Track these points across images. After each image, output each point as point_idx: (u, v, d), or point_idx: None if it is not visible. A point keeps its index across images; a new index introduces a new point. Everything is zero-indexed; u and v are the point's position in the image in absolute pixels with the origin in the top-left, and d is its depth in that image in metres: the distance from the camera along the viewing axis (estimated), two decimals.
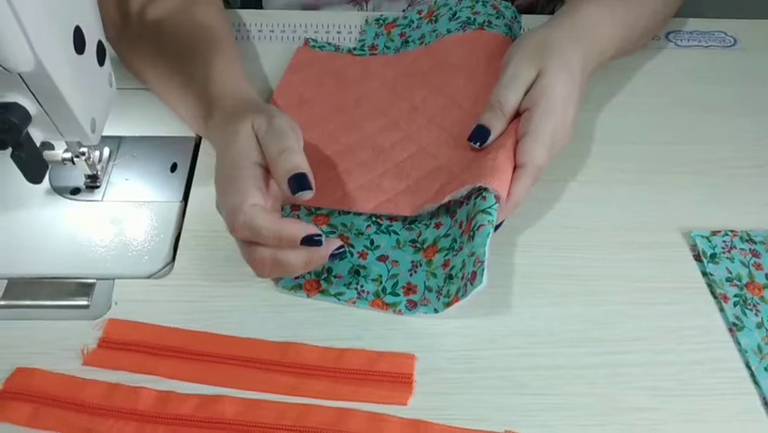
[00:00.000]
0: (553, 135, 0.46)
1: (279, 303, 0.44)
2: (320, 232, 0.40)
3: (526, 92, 0.48)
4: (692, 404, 0.40)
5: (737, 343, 0.43)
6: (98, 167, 0.50)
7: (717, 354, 0.43)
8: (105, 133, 0.45)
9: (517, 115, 0.48)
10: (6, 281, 0.45)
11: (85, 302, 0.44)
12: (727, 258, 0.47)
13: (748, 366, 0.42)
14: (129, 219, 0.49)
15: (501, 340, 0.43)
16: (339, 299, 0.44)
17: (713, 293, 0.46)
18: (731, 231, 0.48)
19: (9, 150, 0.39)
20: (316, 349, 0.42)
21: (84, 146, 0.47)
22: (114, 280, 0.45)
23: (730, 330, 0.44)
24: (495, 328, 0.43)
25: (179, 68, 0.51)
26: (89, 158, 0.48)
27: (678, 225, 0.50)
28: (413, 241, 0.48)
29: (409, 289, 0.45)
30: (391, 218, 0.49)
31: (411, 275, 0.46)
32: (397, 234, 0.48)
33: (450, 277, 0.44)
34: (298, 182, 0.40)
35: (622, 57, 0.59)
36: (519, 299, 0.45)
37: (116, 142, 0.53)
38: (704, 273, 0.47)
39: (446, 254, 0.46)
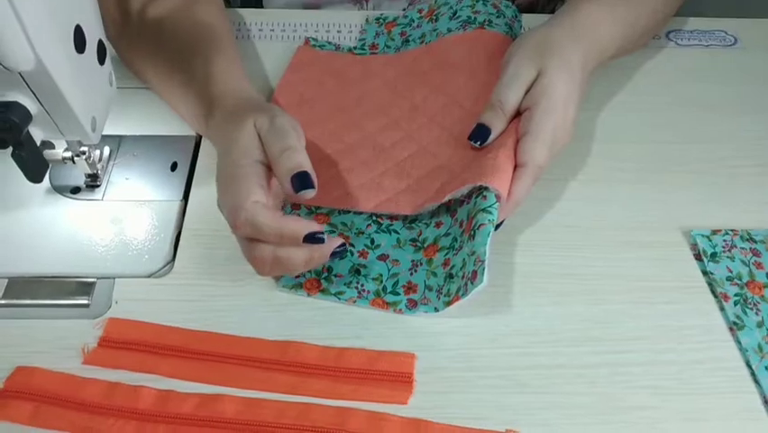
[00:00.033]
0: (553, 134, 0.46)
1: (280, 302, 0.44)
2: (322, 229, 0.40)
3: (527, 91, 0.48)
4: (693, 403, 0.40)
5: (738, 342, 0.43)
6: (99, 166, 0.50)
7: (717, 354, 0.43)
8: (105, 133, 0.45)
9: (518, 114, 0.48)
10: (7, 280, 0.45)
11: (85, 301, 0.44)
12: (728, 257, 0.47)
13: (749, 365, 0.42)
14: (129, 218, 0.49)
15: (502, 339, 0.43)
16: (339, 298, 0.44)
17: (713, 292, 0.46)
18: (731, 230, 0.48)
19: (9, 149, 0.39)
20: (316, 348, 0.42)
21: (84, 145, 0.47)
22: (114, 279, 0.45)
23: (731, 329, 0.44)
24: (495, 327, 0.43)
25: (180, 67, 0.51)
26: (90, 157, 0.48)
27: (678, 224, 0.50)
28: (413, 240, 0.48)
29: (410, 288, 0.45)
30: (392, 217, 0.49)
31: (411, 274, 0.46)
32: (398, 233, 0.48)
33: (450, 276, 0.44)
34: (301, 181, 0.40)
35: (622, 56, 0.59)
36: (520, 299, 0.45)
37: (117, 142, 0.53)
38: (704, 272, 0.47)
39: (447, 253, 0.46)
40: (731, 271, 0.46)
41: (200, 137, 0.54)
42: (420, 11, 0.62)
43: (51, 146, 0.47)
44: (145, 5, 0.53)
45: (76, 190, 0.50)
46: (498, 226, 0.45)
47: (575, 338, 0.43)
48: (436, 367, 0.41)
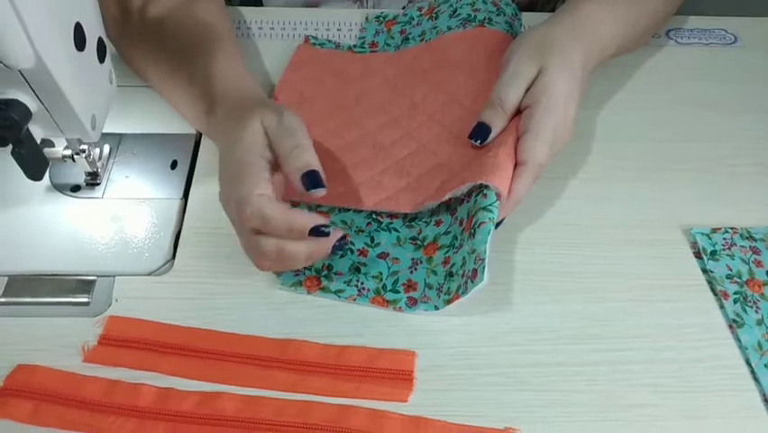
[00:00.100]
0: (554, 133, 0.46)
1: (280, 300, 0.44)
2: (328, 223, 0.40)
3: (527, 89, 0.48)
4: (693, 401, 0.40)
5: (737, 340, 0.43)
6: (98, 164, 0.50)
7: (717, 351, 0.43)
8: (105, 131, 0.45)
9: (518, 112, 0.48)
10: (7, 279, 0.45)
11: (85, 299, 0.44)
12: (728, 255, 0.47)
13: (748, 363, 0.42)
14: (129, 216, 0.49)
15: (502, 337, 0.43)
16: (339, 297, 0.44)
17: (713, 290, 0.46)
18: (731, 228, 0.48)
19: (9, 147, 0.39)
20: (317, 346, 0.42)
21: (84, 143, 0.47)
22: (114, 277, 0.45)
23: (730, 327, 0.44)
24: (495, 325, 0.43)
25: (181, 65, 0.51)
26: (89, 155, 0.48)
27: (678, 222, 0.50)
28: (413, 238, 0.48)
29: (410, 286, 0.45)
30: (391, 216, 0.49)
31: (411, 272, 0.46)
32: (398, 231, 0.48)
33: (450, 274, 0.44)
34: (311, 180, 0.41)
35: (623, 54, 0.59)
36: (520, 297, 0.45)
37: (117, 140, 0.53)
38: (704, 270, 0.47)
39: (446, 252, 0.46)
40: (731, 270, 0.46)
41: (200, 135, 0.54)
42: (420, 9, 0.62)
43: (51, 144, 0.47)
44: (146, 4, 0.53)
45: (76, 188, 0.50)
46: (498, 225, 0.45)
47: (575, 336, 0.43)
48: (436, 365, 0.41)
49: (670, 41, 0.65)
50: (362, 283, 0.45)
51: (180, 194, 0.51)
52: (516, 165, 0.46)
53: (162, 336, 0.42)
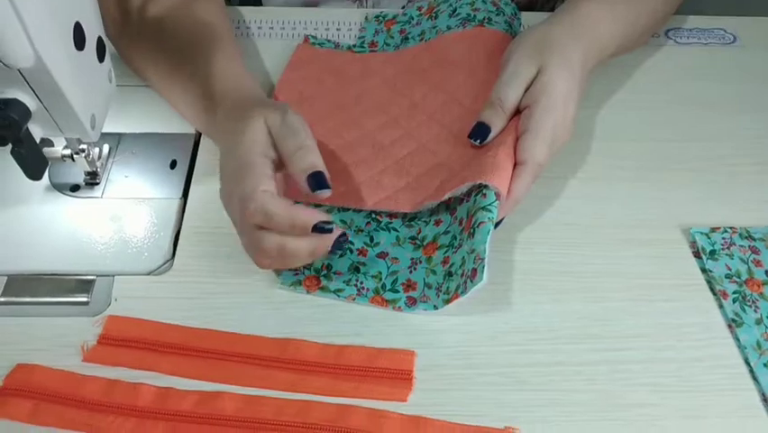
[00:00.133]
0: (553, 132, 0.46)
1: (279, 300, 0.44)
2: (331, 220, 0.40)
3: (527, 89, 0.48)
4: (692, 400, 0.40)
5: (737, 339, 0.43)
6: (98, 164, 0.50)
7: (716, 351, 0.43)
8: (104, 130, 0.45)
9: (518, 112, 0.48)
10: (6, 278, 0.45)
11: (84, 299, 0.44)
12: (727, 255, 0.47)
13: (747, 362, 0.42)
14: (128, 216, 0.49)
15: (501, 337, 0.43)
16: (339, 296, 0.44)
17: (712, 290, 0.46)
18: (730, 228, 0.48)
19: (9, 146, 0.39)
20: (316, 346, 0.42)
21: (83, 143, 0.47)
22: (113, 276, 0.45)
23: (729, 327, 0.44)
24: (495, 325, 0.44)
25: (181, 65, 0.51)
26: (89, 155, 0.48)
27: (678, 222, 0.50)
28: (413, 238, 0.48)
29: (409, 285, 0.45)
30: (391, 215, 0.49)
31: (411, 272, 0.46)
32: (397, 231, 0.48)
33: (449, 274, 0.44)
34: (317, 181, 0.41)
35: (622, 54, 0.59)
36: (519, 296, 0.45)
37: (116, 139, 0.53)
38: (703, 270, 0.47)
39: (446, 251, 0.46)
40: (730, 269, 0.46)
41: (200, 135, 0.54)
42: (420, 8, 0.62)
43: (51, 144, 0.47)
44: (145, 4, 0.53)
45: (75, 188, 0.50)
46: (497, 224, 0.45)
47: (574, 336, 0.43)
48: (436, 364, 0.41)
49: (669, 40, 0.65)
50: (362, 283, 0.45)
51: (180, 193, 0.51)
52: (515, 165, 0.46)
53: (162, 336, 0.42)
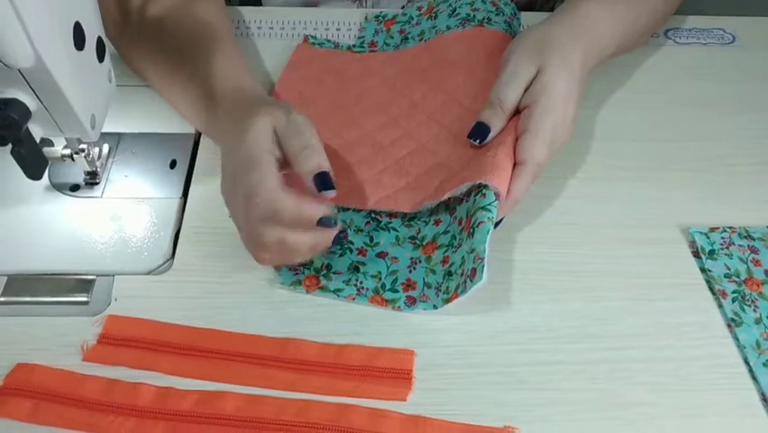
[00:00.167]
0: (552, 132, 0.46)
1: (279, 299, 0.44)
2: (336, 214, 0.41)
3: (526, 89, 0.48)
4: (691, 399, 0.40)
5: (736, 338, 0.43)
6: (98, 163, 0.50)
7: (715, 350, 0.43)
8: (104, 130, 0.45)
9: (517, 112, 0.48)
10: (6, 278, 0.45)
11: (84, 298, 0.44)
12: (726, 254, 0.47)
13: (746, 362, 0.42)
14: (128, 216, 0.49)
15: (500, 336, 0.43)
16: (338, 296, 0.44)
17: (712, 289, 0.46)
18: (729, 227, 0.48)
19: (9, 146, 0.39)
20: (316, 345, 0.42)
21: (83, 143, 0.47)
22: (113, 276, 0.45)
23: (728, 326, 0.44)
24: (494, 324, 0.44)
25: (180, 64, 0.51)
26: (89, 154, 0.48)
27: (677, 221, 0.50)
28: (412, 238, 0.48)
29: (408, 285, 0.45)
30: (391, 215, 0.49)
31: (410, 272, 0.46)
32: (397, 230, 0.48)
33: (449, 274, 0.44)
34: (322, 182, 0.41)
35: (622, 54, 0.59)
36: (519, 296, 0.45)
37: (116, 139, 0.53)
38: (703, 270, 0.47)
39: (445, 251, 0.46)
40: (729, 269, 0.46)
41: (199, 135, 0.54)
42: (419, 8, 0.62)
43: (51, 144, 0.47)
44: (145, 4, 0.53)
45: (75, 188, 0.50)
46: (497, 224, 0.45)
47: (574, 335, 0.43)
48: (435, 364, 0.41)
49: (668, 40, 0.65)
50: (361, 283, 0.45)
51: (179, 193, 0.51)
52: (514, 165, 0.46)
53: (161, 336, 0.42)
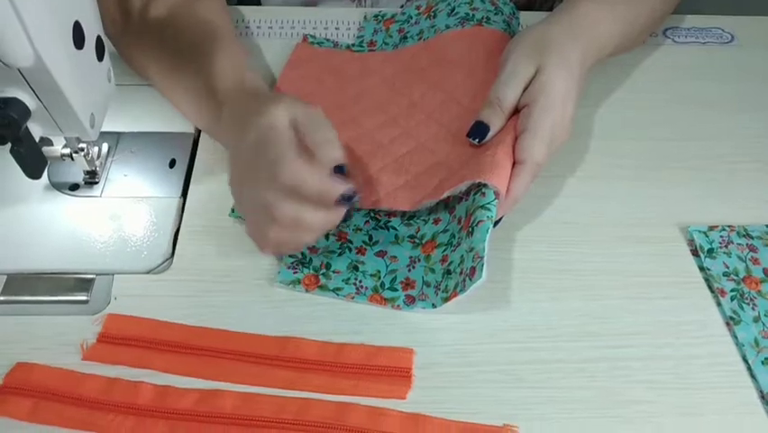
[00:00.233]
0: (551, 132, 0.46)
1: (278, 298, 0.44)
2: (357, 191, 0.41)
3: (525, 88, 0.48)
4: (689, 397, 0.40)
5: (734, 337, 0.43)
6: (97, 163, 0.50)
7: (714, 348, 0.43)
8: (103, 129, 0.45)
9: (516, 111, 0.49)
10: (6, 277, 0.45)
11: (84, 297, 0.44)
12: (725, 253, 0.47)
13: (745, 360, 0.42)
14: (128, 215, 0.49)
15: (500, 335, 0.43)
16: (337, 295, 0.44)
17: (710, 288, 0.46)
18: (728, 226, 0.49)
19: (8, 145, 0.39)
20: (315, 344, 0.42)
21: (83, 142, 0.47)
22: (113, 275, 0.45)
23: (727, 324, 0.44)
24: (493, 323, 0.44)
25: (183, 63, 0.51)
26: (88, 154, 0.48)
27: (676, 220, 0.50)
28: (411, 236, 0.48)
29: (407, 284, 0.45)
30: (390, 214, 0.49)
31: (409, 270, 0.46)
32: (396, 229, 0.48)
33: (448, 272, 0.44)
34: (342, 174, 0.41)
35: (621, 54, 0.59)
36: (518, 294, 0.45)
37: (115, 138, 0.53)
38: (701, 268, 0.47)
39: (444, 250, 0.46)
40: (728, 267, 0.46)
41: (199, 134, 0.54)
42: (418, 7, 0.62)
43: (50, 143, 0.47)
44: (146, 3, 0.53)
45: (74, 187, 0.50)
46: (496, 223, 0.45)
47: (573, 333, 0.43)
48: (435, 362, 0.42)
49: (667, 39, 0.65)
50: (360, 281, 0.45)
51: (179, 192, 0.51)
52: (514, 164, 0.46)
53: (161, 334, 0.42)
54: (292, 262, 0.46)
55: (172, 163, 0.53)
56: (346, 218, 0.42)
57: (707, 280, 0.46)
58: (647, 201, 0.51)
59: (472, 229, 0.43)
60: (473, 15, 0.58)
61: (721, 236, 0.48)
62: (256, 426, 0.38)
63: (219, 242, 0.47)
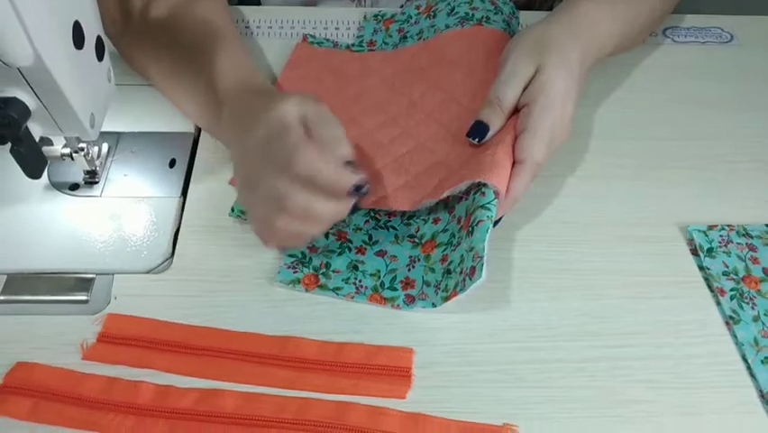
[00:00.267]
0: (551, 131, 0.47)
1: (278, 298, 0.45)
2: (368, 181, 0.41)
3: (525, 88, 0.48)
4: (689, 397, 0.40)
5: (734, 336, 0.43)
6: (97, 162, 0.50)
7: (713, 348, 0.43)
8: (103, 129, 0.45)
9: (516, 111, 0.49)
10: (6, 277, 0.45)
11: (84, 297, 0.44)
12: (724, 252, 0.47)
13: (744, 359, 0.42)
14: (128, 215, 0.49)
15: (500, 334, 0.43)
16: (337, 294, 0.45)
17: (710, 287, 0.46)
18: (728, 225, 0.49)
19: (8, 145, 0.39)
20: (315, 343, 0.42)
21: (83, 142, 0.47)
22: (113, 275, 0.45)
23: (727, 324, 0.44)
24: (493, 322, 0.44)
25: (185, 63, 0.51)
26: (88, 153, 0.48)
27: (676, 219, 0.50)
28: (411, 236, 0.48)
29: (407, 283, 0.45)
30: (390, 213, 0.49)
31: (409, 270, 0.46)
32: (396, 229, 0.48)
33: (448, 272, 0.44)
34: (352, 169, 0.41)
35: (621, 53, 0.59)
36: (518, 294, 0.45)
37: (115, 138, 0.54)
38: (701, 267, 0.47)
39: (444, 249, 0.46)
40: (727, 267, 0.46)
41: (199, 133, 0.54)
42: (418, 7, 0.62)
43: (50, 143, 0.47)
44: (147, 3, 0.53)
45: (74, 187, 0.50)
46: (496, 223, 0.45)
47: (573, 333, 0.43)
48: (434, 362, 0.42)
49: (666, 39, 0.65)
50: (360, 281, 0.45)
51: (179, 192, 0.51)
52: (513, 163, 0.46)
53: (161, 334, 0.42)
54: (292, 262, 0.46)
55: (172, 163, 0.53)
56: (353, 211, 0.42)
57: (706, 279, 0.46)
58: (647, 201, 0.51)
59: (472, 229, 0.43)
60: (473, 15, 0.58)
61: (721, 236, 0.48)
62: (256, 425, 0.38)
63: (219, 241, 0.47)
